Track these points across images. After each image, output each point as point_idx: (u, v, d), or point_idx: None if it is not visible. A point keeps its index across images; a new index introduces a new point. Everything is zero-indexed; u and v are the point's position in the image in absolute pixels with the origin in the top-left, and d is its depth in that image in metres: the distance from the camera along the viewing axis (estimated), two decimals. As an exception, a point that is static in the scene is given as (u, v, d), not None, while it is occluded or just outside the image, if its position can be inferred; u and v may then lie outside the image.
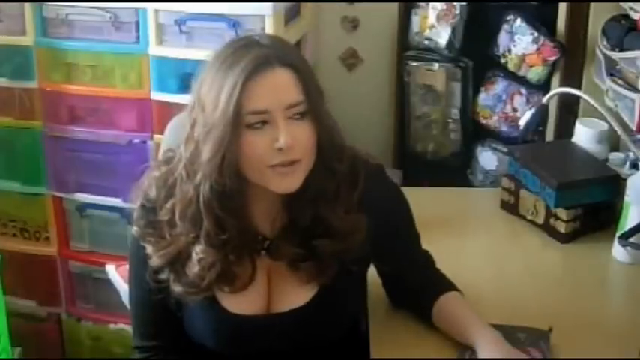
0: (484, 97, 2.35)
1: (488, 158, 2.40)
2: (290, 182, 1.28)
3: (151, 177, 1.39)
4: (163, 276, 1.36)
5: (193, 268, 1.32)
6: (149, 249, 1.36)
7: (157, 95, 2.17)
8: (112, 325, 2.45)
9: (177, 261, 1.34)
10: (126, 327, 2.34)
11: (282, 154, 1.25)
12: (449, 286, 1.50)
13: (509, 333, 1.41)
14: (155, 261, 1.35)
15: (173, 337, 1.45)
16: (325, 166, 1.32)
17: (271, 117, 1.24)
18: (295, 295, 1.39)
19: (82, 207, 2.36)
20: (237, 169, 1.27)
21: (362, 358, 1.52)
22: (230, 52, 1.28)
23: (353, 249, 1.35)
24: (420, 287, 1.49)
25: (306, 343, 1.42)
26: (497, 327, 1.41)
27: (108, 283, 2.10)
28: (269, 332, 1.39)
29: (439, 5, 2.29)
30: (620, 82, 1.88)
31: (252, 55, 1.25)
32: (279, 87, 1.25)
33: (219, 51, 1.31)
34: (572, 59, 2.22)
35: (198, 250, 1.32)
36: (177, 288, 1.35)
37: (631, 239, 1.67)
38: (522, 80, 2.26)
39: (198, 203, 1.29)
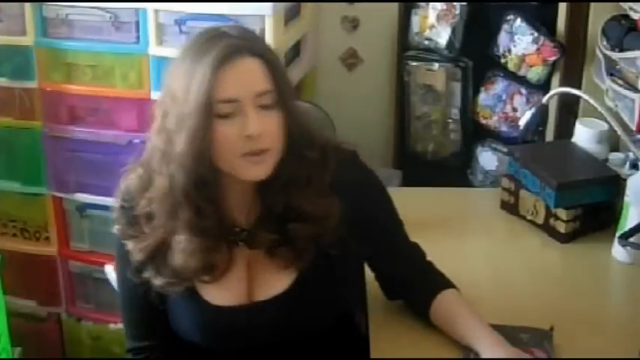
0: (484, 97, 2.35)
1: (488, 158, 2.40)
2: (259, 170, 1.30)
3: (128, 178, 1.41)
4: (146, 274, 1.37)
5: (176, 258, 1.33)
6: (130, 245, 1.38)
7: (157, 95, 2.16)
8: (112, 325, 2.45)
9: (158, 254, 1.35)
10: (126, 327, 2.34)
11: (252, 143, 1.26)
12: (445, 284, 1.48)
13: (511, 334, 1.40)
14: (136, 256, 1.37)
15: (164, 336, 1.46)
16: (295, 154, 1.33)
17: (240, 106, 1.26)
18: (276, 281, 1.39)
19: (82, 207, 2.36)
20: (210, 159, 1.28)
21: (359, 356, 1.51)
22: (199, 44, 1.30)
23: (327, 232, 1.35)
24: (412, 283, 1.48)
25: (291, 333, 1.42)
26: (499, 328, 1.40)
27: (108, 283, 2.10)
28: (252, 322, 1.39)
29: (439, 5, 2.29)
30: (620, 82, 1.88)
31: (223, 44, 1.27)
32: (248, 76, 1.27)
33: (190, 43, 1.33)
34: (572, 59, 2.22)
35: (178, 240, 1.33)
36: (158, 281, 1.36)
37: (631, 239, 1.67)
38: (522, 80, 2.26)
39: (175, 193, 1.30)
